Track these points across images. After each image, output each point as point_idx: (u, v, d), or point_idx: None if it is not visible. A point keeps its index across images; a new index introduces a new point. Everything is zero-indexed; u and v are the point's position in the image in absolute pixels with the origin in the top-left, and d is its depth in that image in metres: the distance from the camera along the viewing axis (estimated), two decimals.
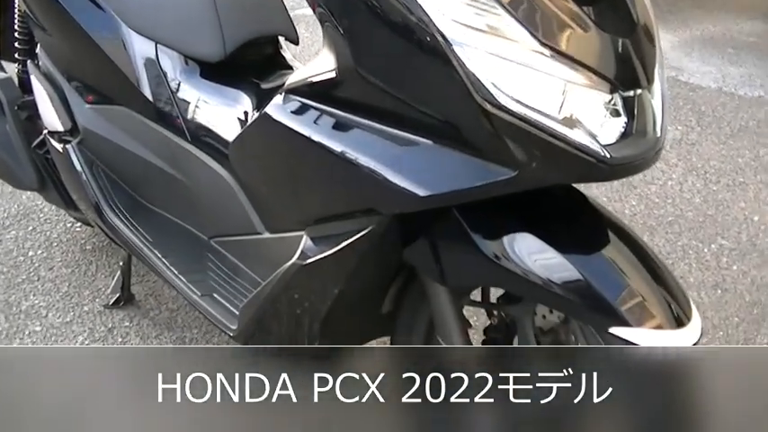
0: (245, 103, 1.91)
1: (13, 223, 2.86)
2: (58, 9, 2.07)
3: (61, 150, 2.19)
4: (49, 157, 2.36)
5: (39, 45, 2.29)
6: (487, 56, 1.29)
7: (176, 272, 1.98)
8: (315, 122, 1.52)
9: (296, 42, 2.08)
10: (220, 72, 1.98)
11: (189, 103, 1.97)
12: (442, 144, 1.40)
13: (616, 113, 1.38)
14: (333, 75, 1.47)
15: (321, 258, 1.60)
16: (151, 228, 2.10)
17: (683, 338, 1.44)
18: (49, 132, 2.24)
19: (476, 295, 1.82)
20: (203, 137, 1.95)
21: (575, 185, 1.60)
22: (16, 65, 2.57)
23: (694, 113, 3.79)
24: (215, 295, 1.93)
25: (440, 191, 1.40)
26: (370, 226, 1.52)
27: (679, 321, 1.44)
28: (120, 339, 2.36)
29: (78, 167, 2.17)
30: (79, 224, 2.82)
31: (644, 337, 1.41)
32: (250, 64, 2.00)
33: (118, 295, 2.47)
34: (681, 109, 3.80)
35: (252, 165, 1.72)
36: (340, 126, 1.50)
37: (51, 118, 2.21)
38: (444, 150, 1.40)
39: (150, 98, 2.01)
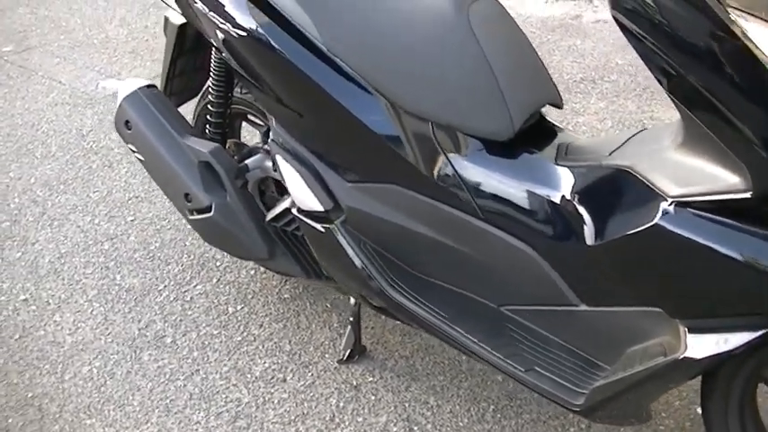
0: (545, 182, 1.91)
1: (194, 276, 2.82)
2: (319, 95, 2.04)
3: (323, 230, 2.18)
4: (288, 230, 2.35)
5: (273, 122, 2.25)
6: None
7: (489, 349, 2.03)
8: (718, 234, 1.61)
9: (560, 107, 2.10)
10: (505, 148, 2.00)
11: (479, 181, 1.98)
12: None
13: None
14: (745, 195, 1.56)
15: (713, 355, 1.69)
16: (437, 301, 2.13)
17: None
18: (300, 211, 2.23)
19: None
20: (500, 215, 1.97)
21: None
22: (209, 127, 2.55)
23: None
24: (537, 368, 2.00)
25: None
26: (763, 329, 1.63)
27: None
28: (372, 397, 2.40)
29: (347, 247, 2.17)
30: (263, 269, 2.81)
31: None
32: (524, 134, 2.02)
33: (350, 350, 2.50)
34: None
35: (623, 266, 1.78)
36: (738, 236, 1.59)
37: (305, 197, 2.19)
38: None
39: (430, 176, 2.02)
